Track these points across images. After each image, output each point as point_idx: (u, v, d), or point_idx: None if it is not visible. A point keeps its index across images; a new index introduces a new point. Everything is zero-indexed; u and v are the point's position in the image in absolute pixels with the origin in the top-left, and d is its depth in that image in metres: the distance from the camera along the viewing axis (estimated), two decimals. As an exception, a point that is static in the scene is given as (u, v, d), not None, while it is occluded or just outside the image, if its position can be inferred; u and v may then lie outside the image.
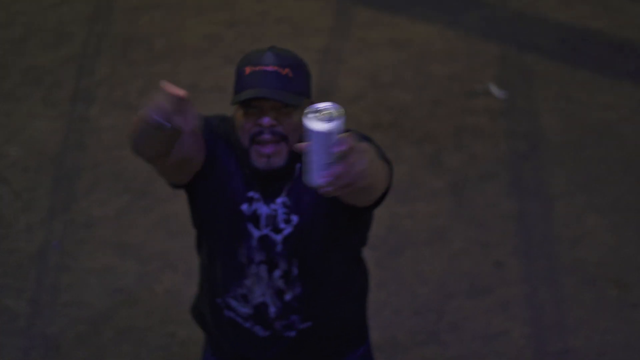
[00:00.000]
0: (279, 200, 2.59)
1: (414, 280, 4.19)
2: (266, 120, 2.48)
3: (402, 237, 4.37)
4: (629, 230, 4.44)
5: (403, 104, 5.22)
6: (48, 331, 3.93)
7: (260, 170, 2.53)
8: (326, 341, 2.74)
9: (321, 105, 1.82)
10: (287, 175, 2.58)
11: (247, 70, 2.51)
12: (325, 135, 1.77)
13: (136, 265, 4.23)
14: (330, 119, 1.79)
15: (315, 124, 1.75)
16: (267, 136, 2.49)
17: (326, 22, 5.86)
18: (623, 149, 4.92)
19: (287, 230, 2.60)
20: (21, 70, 5.44)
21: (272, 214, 2.60)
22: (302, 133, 2.48)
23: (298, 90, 2.49)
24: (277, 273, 2.62)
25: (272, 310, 2.65)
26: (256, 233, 2.61)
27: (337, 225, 2.61)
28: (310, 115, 1.81)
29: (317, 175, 1.79)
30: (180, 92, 2.26)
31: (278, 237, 2.61)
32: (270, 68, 2.48)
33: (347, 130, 2.12)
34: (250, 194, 2.60)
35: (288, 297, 2.64)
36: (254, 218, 2.60)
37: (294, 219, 2.59)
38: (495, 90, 5.34)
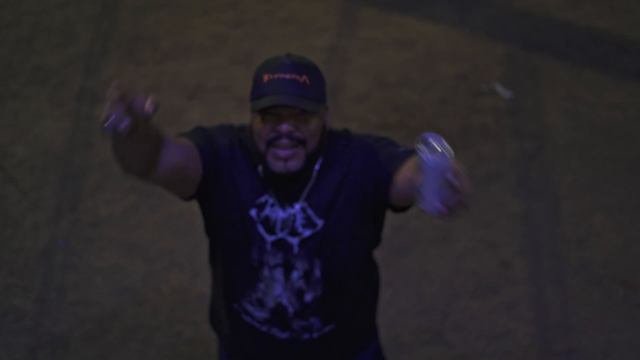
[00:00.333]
0: (298, 205, 2.61)
1: (420, 280, 4.19)
2: (285, 127, 2.50)
3: (408, 236, 4.37)
4: (635, 230, 4.44)
5: (409, 104, 5.22)
6: (55, 330, 3.94)
7: (277, 174, 2.54)
8: (344, 342, 2.76)
9: (433, 138, 2.02)
10: (304, 179, 2.59)
11: (265, 77, 2.52)
12: (441, 167, 1.99)
13: (143, 264, 4.24)
14: (443, 153, 2.01)
15: (431, 157, 1.98)
16: (285, 141, 2.51)
17: (332, 22, 5.86)
18: (630, 149, 4.92)
19: (307, 233, 2.62)
20: (28, 70, 5.45)
21: (290, 218, 2.61)
22: (319, 138, 2.50)
23: (315, 97, 2.52)
24: (296, 274, 2.64)
25: (290, 310, 2.67)
26: (269, 237, 2.63)
27: (365, 225, 2.63)
28: (423, 148, 2.01)
29: (433, 202, 2.01)
30: (114, 91, 2.24)
31: (295, 240, 2.62)
32: (288, 76, 2.51)
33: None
34: (264, 198, 2.61)
35: (308, 297, 2.66)
36: (267, 222, 2.61)
37: (319, 222, 2.61)
38: (501, 89, 5.34)
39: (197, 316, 3.99)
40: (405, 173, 2.45)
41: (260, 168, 2.60)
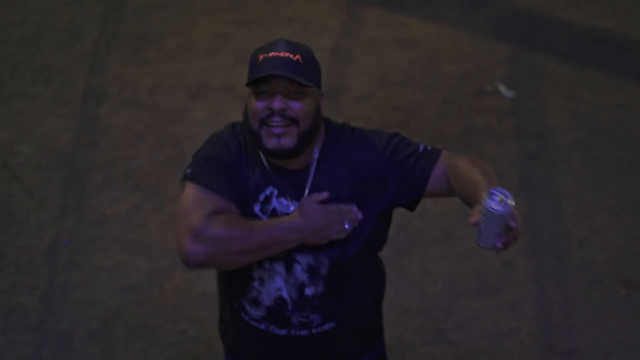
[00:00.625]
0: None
1: (423, 279, 4.19)
2: (277, 104, 2.53)
3: (411, 236, 4.38)
4: (637, 229, 4.44)
5: (412, 103, 5.23)
6: (59, 328, 3.95)
7: (271, 151, 2.55)
8: (346, 341, 2.75)
9: (497, 190, 2.34)
10: (305, 170, 2.60)
11: (260, 57, 2.57)
12: (505, 214, 2.33)
13: (147, 263, 4.25)
14: (508, 202, 2.33)
15: (496, 206, 2.32)
16: (277, 118, 2.54)
17: (336, 22, 5.88)
18: (632, 149, 4.92)
19: None
20: (33, 69, 5.47)
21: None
22: (313, 119, 2.52)
23: (308, 76, 2.56)
24: (299, 268, 2.64)
25: (289, 304, 2.67)
26: None
27: (378, 227, 2.66)
28: (487, 198, 2.34)
29: (494, 242, 2.38)
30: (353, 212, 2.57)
31: None
32: (282, 54, 2.56)
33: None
34: (269, 190, 2.62)
35: (308, 292, 2.66)
36: (274, 215, 2.62)
37: None
38: (504, 89, 5.35)
39: (200, 314, 4.00)
40: (440, 182, 2.62)
41: (262, 156, 2.61)
